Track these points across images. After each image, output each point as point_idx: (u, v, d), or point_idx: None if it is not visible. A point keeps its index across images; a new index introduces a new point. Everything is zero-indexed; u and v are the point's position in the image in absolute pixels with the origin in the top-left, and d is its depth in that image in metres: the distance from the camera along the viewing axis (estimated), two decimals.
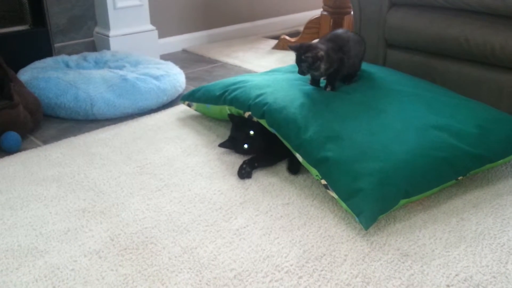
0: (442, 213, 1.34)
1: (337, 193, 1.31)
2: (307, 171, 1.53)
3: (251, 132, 1.57)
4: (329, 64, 1.60)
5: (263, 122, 1.57)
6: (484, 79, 1.81)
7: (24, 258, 1.17)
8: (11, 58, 2.09)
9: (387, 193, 1.26)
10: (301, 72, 1.59)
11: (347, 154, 1.35)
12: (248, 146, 1.58)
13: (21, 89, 1.85)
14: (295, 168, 1.53)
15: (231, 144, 1.63)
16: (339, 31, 1.73)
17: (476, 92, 1.82)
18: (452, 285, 1.09)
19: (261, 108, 1.56)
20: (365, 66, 1.86)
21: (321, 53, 1.56)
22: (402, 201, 1.29)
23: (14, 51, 2.29)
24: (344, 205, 1.28)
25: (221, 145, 1.64)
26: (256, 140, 1.58)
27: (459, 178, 1.39)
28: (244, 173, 1.51)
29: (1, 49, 2.01)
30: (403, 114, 1.51)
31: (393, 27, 2.02)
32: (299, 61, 1.57)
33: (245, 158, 1.57)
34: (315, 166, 1.38)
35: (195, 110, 1.92)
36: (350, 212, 1.27)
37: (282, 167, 1.58)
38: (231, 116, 1.66)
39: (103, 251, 1.19)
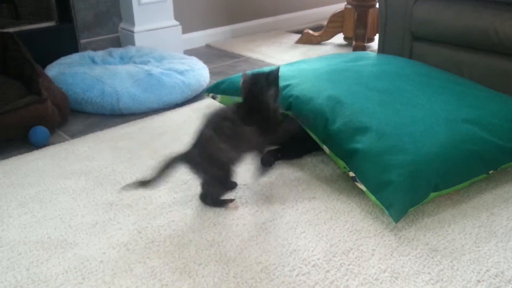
0: (472, 208, 1.31)
1: (366, 186, 1.29)
2: (333, 165, 1.52)
3: None
4: None
5: (289, 113, 1.56)
6: None
7: (54, 250, 1.19)
8: (39, 54, 2.12)
9: (417, 186, 1.24)
10: None
11: (376, 146, 1.33)
12: None
13: (49, 85, 1.87)
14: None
15: None
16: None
17: (505, 85, 1.78)
18: (483, 281, 1.07)
19: (287, 99, 1.55)
20: (392, 58, 1.83)
21: None
22: (432, 194, 1.27)
23: (41, 47, 2.32)
24: (373, 197, 1.27)
25: None
26: None
27: (490, 172, 1.37)
28: (265, 161, 1.50)
29: (29, 45, 2.04)
30: (433, 107, 1.48)
31: (420, 20, 1.99)
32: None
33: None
34: (343, 159, 1.37)
35: (220, 102, 1.92)
36: (379, 205, 1.25)
37: (308, 161, 1.57)
38: None
39: (131, 244, 1.20)
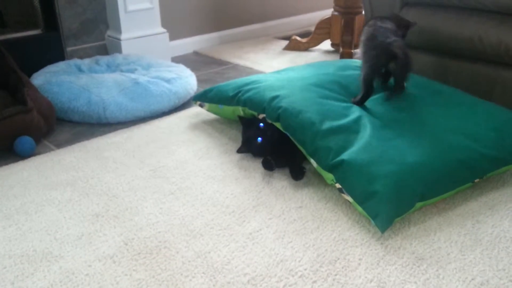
0: (458, 216, 1.32)
1: (352, 196, 1.30)
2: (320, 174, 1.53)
3: (261, 125, 1.58)
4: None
5: (278, 125, 1.56)
6: (498, 79, 1.79)
7: (39, 263, 1.18)
8: (24, 62, 2.10)
9: (403, 196, 1.25)
10: None
11: (362, 157, 1.34)
12: (261, 139, 1.57)
13: (34, 94, 1.86)
14: (298, 174, 1.50)
15: (246, 147, 1.62)
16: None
17: (490, 92, 1.80)
18: None
19: (276, 111, 1.56)
20: None
21: None
22: (418, 204, 1.28)
23: (27, 55, 2.30)
24: (359, 208, 1.27)
25: (238, 150, 1.64)
26: (267, 130, 1.57)
27: (475, 180, 1.38)
28: (269, 165, 1.52)
29: (14, 54, 2.03)
30: (419, 117, 1.49)
31: None
32: None
33: (258, 159, 1.59)
34: (330, 171, 1.37)
35: (207, 110, 1.91)
36: (366, 215, 1.26)
37: None
38: (241, 118, 1.67)
39: (117, 256, 1.20)
